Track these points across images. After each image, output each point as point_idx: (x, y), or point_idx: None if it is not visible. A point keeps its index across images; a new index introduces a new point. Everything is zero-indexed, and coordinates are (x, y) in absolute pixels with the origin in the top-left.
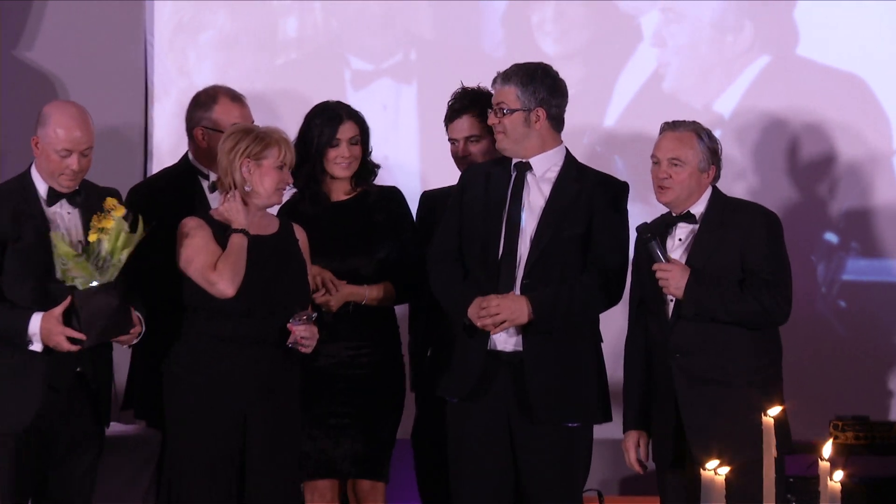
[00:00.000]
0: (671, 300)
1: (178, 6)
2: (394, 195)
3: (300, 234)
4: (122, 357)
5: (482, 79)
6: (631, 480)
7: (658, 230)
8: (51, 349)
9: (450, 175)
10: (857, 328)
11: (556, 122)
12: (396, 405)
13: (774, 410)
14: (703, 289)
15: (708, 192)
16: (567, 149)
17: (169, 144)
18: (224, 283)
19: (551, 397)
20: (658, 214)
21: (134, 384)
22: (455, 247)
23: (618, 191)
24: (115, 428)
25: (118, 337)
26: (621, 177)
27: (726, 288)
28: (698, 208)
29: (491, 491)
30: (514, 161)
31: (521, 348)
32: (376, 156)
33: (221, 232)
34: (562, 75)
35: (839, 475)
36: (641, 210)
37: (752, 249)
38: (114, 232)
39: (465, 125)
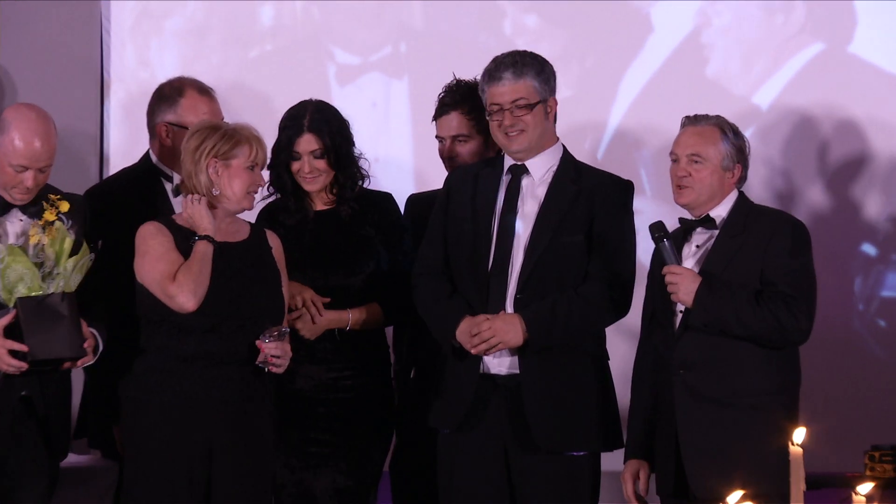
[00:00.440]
0: (680, 311)
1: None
2: (384, 203)
3: (274, 241)
4: (76, 379)
5: (479, 73)
6: None
7: (673, 235)
8: None
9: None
10: None
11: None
12: (384, 434)
13: (800, 435)
14: (715, 297)
15: (733, 196)
16: (564, 146)
17: (126, 144)
18: (184, 295)
19: (552, 424)
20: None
21: (87, 409)
22: (441, 259)
23: (621, 190)
24: (68, 459)
25: (63, 358)
26: (648, 175)
27: (741, 298)
28: (720, 212)
29: None
30: (509, 163)
31: (516, 370)
32: (365, 155)
33: (185, 239)
34: (574, 63)
35: None
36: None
37: (772, 259)
38: (58, 233)
39: (453, 123)
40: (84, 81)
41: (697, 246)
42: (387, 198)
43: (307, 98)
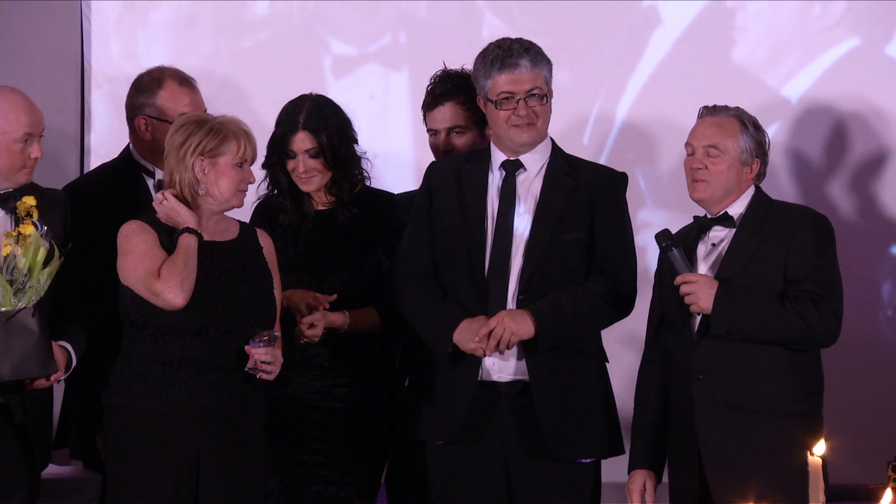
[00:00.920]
0: (697, 315)
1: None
2: (387, 205)
3: (265, 240)
4: (57, 386)
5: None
6: None
7: (683, 238)
8: None
9: None
10: None
11: None
12: (380, 446)
13: (821, 448)
14: (735, 302)
15: (750, 192)
16: (552, 139)
17: (112, 141)
18: (171, 291)
19: (564, 430)
20: (691, 216)
21: (68, 418)
22: (428, 261)
23: (618, 184)
24: (48, 470)
25: (33, 377)
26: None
27: (763, 301)
28: (737, 209)
29: None
30: (500, 158)
31: (521, 376)
32: (363, 150)
33: (169, 237)
34: (592, 48)
35: None
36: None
37: (796, 256)
38: (32, 244)
39: (447, 114)
40: (64, 76)
41: (713, 244)
42: (389, 199)
43: (303, 91)
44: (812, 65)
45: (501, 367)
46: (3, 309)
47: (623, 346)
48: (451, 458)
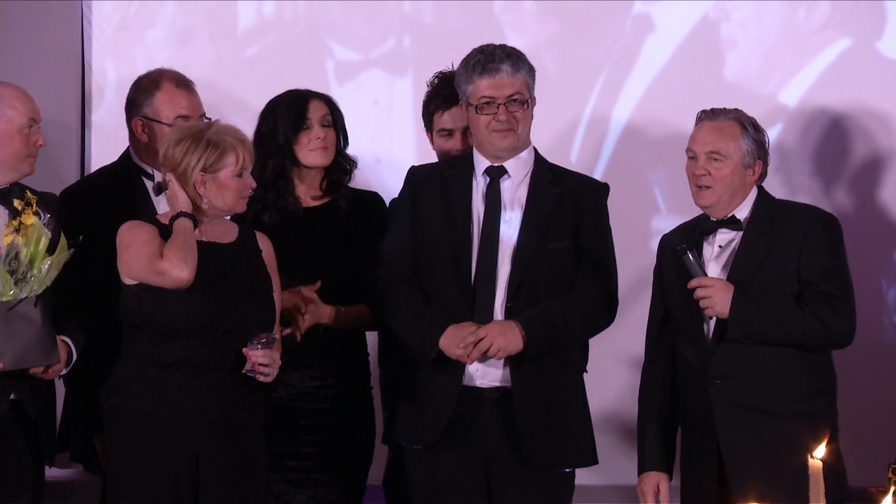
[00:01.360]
0: (711, 318)
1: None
2: (374, 202)
3: (264, 243)
4: (57, 389)
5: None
6: None
7: (690, 239)
8: None
9: None
10: None
11: None
12: (368, 447)
13: (821, 451)
14: (752, 305)
15: (754, 193)
16: (535, 148)
17: (111, 143)
18: (177, 267)
19: (546, 439)
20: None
21: (69, 421)
22: (410, 265)
23: (601, 194)
24: (48, 473)
25: (36, 368)
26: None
27: (780, 304)
28: (743, 212)
29: None
30: (483, 164)
31: (504, 383)
32: (366, 157)
33: (169, 234)
34: (587, 57)
35: None
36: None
37: (810, 258)
38: (34, 233)
39: (464, 113)
40: (65, 78)
41: (720, 246)
42: (377, 198)
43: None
44: (805, 69)
45: (484, 374)
46: (4, 299)
47: (619, 355)
48: (432, 462)
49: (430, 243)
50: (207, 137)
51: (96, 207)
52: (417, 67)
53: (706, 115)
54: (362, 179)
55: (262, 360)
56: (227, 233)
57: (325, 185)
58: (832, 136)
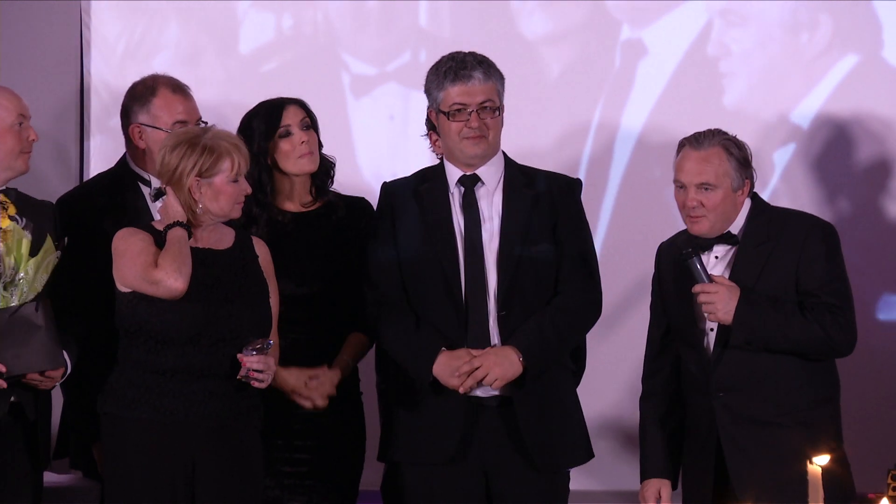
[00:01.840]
0: (711, 329)
1: (119, 29)
2: (364, 207)
3: (261, 248)
4: (55, 395)
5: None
6: None
7: (695, 243)
8: None
9: None
10: None
11: None
12: (359, 452)
13: (822, 458)
14: (756, 312)
15: (746, 206)
16: (503, 152)
17: (110, 149)
18: (171, 277)
19: (546, 442)
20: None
21: (67, 428)
22: (398, 285)
23: (575, 189)
24: (47, 478)
25: (33, 376)
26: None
27: (784, 310)
28: (737, 225)
29: None
30: (456, 174)
31: (503, 392)
32: (383, 172)
33: (164, 242)
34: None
35: None
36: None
37: (809, 268)
38: (13, 237)
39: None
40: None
41: (717, 257)
42: (364, 202)
43: (322, 110)
44: (815, 89)
45: (489, 388)
46: (2, 307)
47: (617, 361)
48: (430, 473)
49: (417, 261)
50: (203, 143)
51: (93, 214)
52: None
53: (689, 144)
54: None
55: (257, 365)
56: (222, 239)
57: (314, 191)
58: (847, 149)
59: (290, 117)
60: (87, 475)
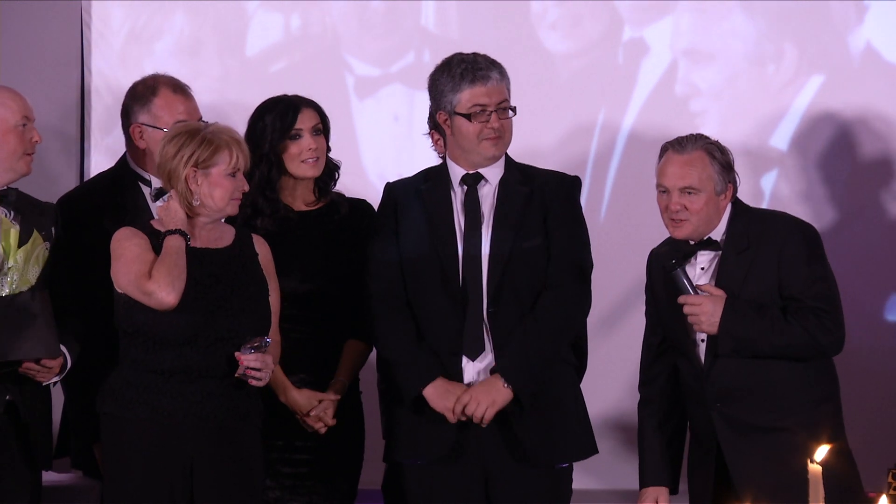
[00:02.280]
0: (702, 340)
1: (126, 9)
2: (365, 209)
3: (261, 246)
4: (56, 395)
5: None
6: None
7: (680, 254)
8: None
9: None
10: None
11: None
12: (358, 452)
13: (821, 453)
14: (740, 320)
15: (728, 211)
16: (506, 152)
17: (110, 148)
18: (163, 290)
19: (543, 436)
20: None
21: (68, 427)
22: (400, 284)
23: (568, 186)
24: (48, 477)
25: (34, 360)
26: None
27: (768, 317)
28: (718, 232)
29: None
30: (459, 173)
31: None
32: (388, 173)
33: (161, 247)
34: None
35: None
36: None
37: (790, 271)
38: (1, 225)
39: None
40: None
41: (703, 268)
42: (366, 205)
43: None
44: (789, 115)
45: (479, 373)
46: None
47: (618, 360)
48: (430, 474)
49: (417, 258)
50: (203, 134)
51: (93, 213)
52: None
53: (673, 148)
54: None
55: (254, 363)
56: (222, 237)
57: (317, 191)
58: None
59: (304, 121)
60: (88, 475)
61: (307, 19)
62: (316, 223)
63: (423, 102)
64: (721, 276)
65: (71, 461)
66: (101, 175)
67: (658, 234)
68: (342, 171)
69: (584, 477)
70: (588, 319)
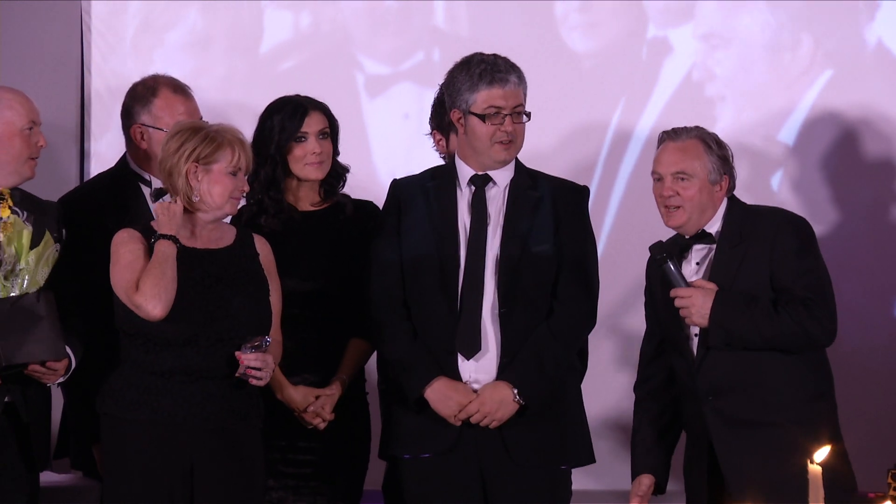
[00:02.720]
0: (695, 334)
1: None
2: (371, 210)
3: (262, 246)
4: (56, 395)
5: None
6: None
7: (677, 248)
8: None
9: None
10: None
11: None
12: (364, 452)
13: (821, 454)
14: (730, 312)
15: (724, 206)
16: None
17: (111, 148)
18: (150, 303)
19: (540, 438)
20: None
21: (68, 428)
22: (399, 285)
23: (580, 197)
24: (47, 478)
25: (40, 362)
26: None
27: (757, 308)
28: (714, 226)
29: None
30: (468, 174)
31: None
32: (398, 171)
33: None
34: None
35: None
36: None
37: (781, 264)
38: (13, 227)
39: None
40: (65, 83)
41: (697, 263)
42: (371, 206)
43: (338, 110)
44: (799, 107)
45: (477, 380)
46: (3, 296)
47: (618, 361)
48: (427, 472)
49: (418, 256)
50: (206, 131)
51: (94, 214)
52: None
53: (668, 136)
54: None
55: (255, 363)
56: (223, 237)
57: (322, 192)
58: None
59: (312, 125)
60: (88, 475)
61: (318, 17)
62: (320, 224)
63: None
64: (714, 271)
65: (70, 462)
66: (101, 175)
67: (662, 233)
68: (351, 170)
69: (582, 478)
70: None
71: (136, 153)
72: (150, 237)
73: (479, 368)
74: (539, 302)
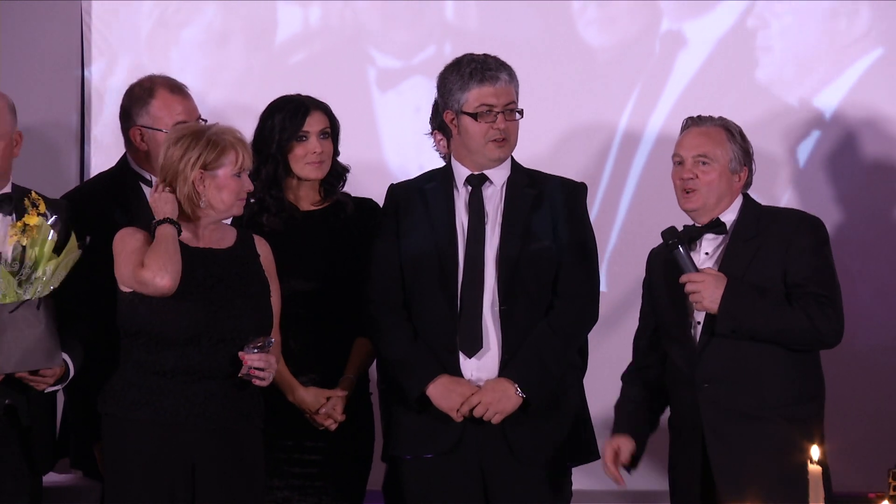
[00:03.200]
0: (698, 322)
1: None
2: (372, 208)
3: (263, 247)
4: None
5: (529, 74)
6: None
7: (683, 234)
8: None
9: None
10: None
11: None
12: (368, 453)
13: (816, 453)
14: (742, 300)
15: (739, 200)
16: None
17: (111, 148)
18: (158, 275)
19: (542, 436)
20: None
21: (68, 427)
22: (398, 286)
23: (578, 194)
24: (48, 478)
25: (38, 370)
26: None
27: (769, 300)
28: (728, 217)
29: None
30: (464, 173)
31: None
32: (410, 166)
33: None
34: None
35: None
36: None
37: (796, 260)
38: (39, 234)
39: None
40: (65, 83)
41: (707, 253)
42: (374, 204)
43: (349, 104)
44: (841, 77)
45: (478, 379)
46: (8, 300)
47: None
48: (428, 472)
49: (417, 256)
50: (207, 136)
51: (94, 214)
52: None
53: (692, 122)
54: None
55: (258, 363)
56: (224, 238)
57: (322, 192)
58: (862, 142)
59: (312, 125)
60: (88, 475)
61: (329, 11)
62: (322, 223)
63: None
64: (726, 262)
65: (70, 462)
66: (101, 175)
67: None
68: (363, 164)
69: (583, 477)
70: None
71: (136, 154)
72: (151, 231)
73: (481, 366)
74: (539, 298)
